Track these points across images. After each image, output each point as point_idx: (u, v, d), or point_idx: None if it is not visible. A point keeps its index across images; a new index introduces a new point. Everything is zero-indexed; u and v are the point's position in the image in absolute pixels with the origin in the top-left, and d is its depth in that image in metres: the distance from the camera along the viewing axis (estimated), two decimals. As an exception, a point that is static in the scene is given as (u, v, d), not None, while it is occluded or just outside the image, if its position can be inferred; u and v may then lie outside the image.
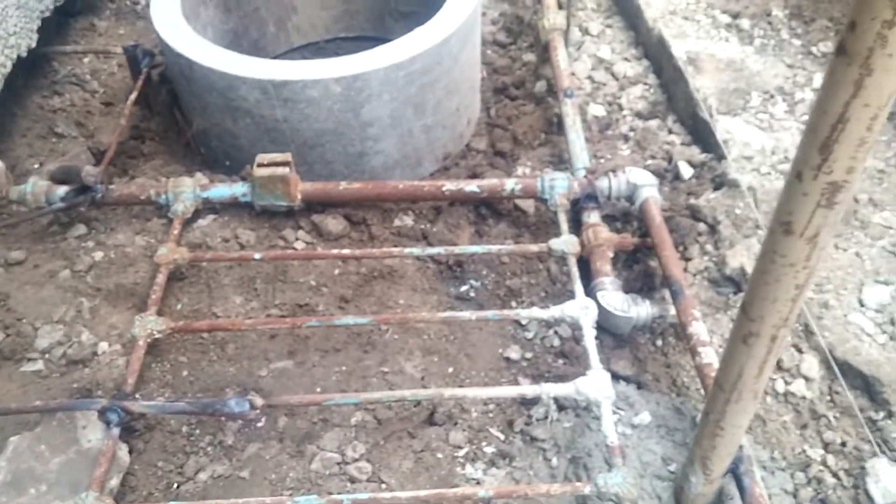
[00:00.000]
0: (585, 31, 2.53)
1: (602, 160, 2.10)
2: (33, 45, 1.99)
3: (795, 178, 0.84)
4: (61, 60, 2.39)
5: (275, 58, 2.56)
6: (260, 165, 1.76)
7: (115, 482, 1.32)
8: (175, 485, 1.38)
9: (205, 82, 1.88)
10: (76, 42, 2.53)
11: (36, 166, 2.07)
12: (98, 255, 1.75)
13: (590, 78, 2.38)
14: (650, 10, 2.41)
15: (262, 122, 1.88)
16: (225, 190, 1.81)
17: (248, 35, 2.46)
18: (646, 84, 2.32)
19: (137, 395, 1.42)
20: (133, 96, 2.09)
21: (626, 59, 2.42)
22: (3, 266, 1.74)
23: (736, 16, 2.32)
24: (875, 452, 1.37)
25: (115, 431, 1.34)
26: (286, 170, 1.75)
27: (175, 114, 2.17)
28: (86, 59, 2.45)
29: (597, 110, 2.27)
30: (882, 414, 1.41)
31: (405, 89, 1.89)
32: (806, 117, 2.00)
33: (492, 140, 2.20)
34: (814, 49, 2.17)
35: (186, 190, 1.78)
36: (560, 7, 2.37)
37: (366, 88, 1.83)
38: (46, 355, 1.57)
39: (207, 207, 1.83)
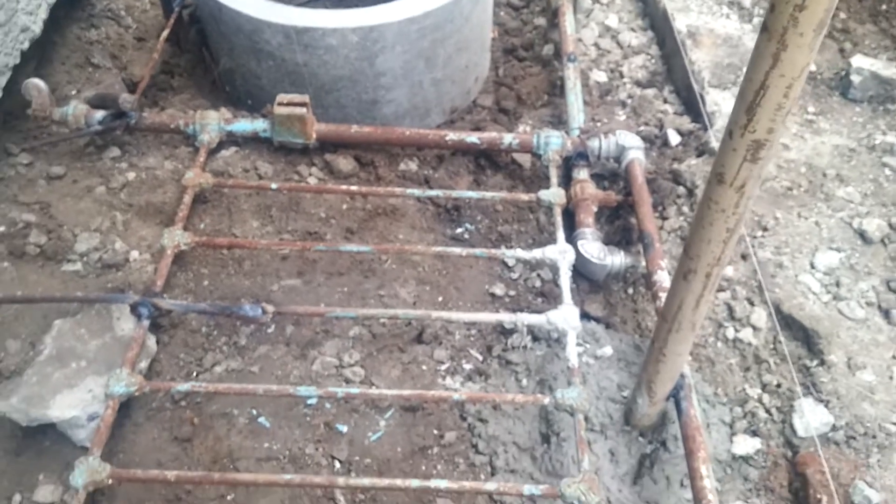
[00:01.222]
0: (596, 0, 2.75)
1: (599, 123, 2.33)
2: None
3: (728, 135, 1.08)
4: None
5: (298, 5, 2.80)
6: (280, 104, 2.01)
7: (143, 365, 1.60)
8: (194, 373, 1.66)
9: (232, 25, 2.12)
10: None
11: (73, 92, 2.33)
12: (131, 175, 2.02)
13: (595, 45, 2.60)
14: (658, -16, 2.62)
15: (284, 65, 2.12)
16: (247, 125, 2.06)
17: (275, -19, 2.68)
18: (648, 54, 2.54)
19: (165, 296, 1.69)
20: (165, 34, 2.33)
21: (631, 29, 2.64)
22: (46, 179, 2.01)
23: (739, -6, 2.54)
24: (804, 394, 1.63)
25: (145, 323, 1.62)
26: (304, 110, 2.00)
27: (203, 52, 2.42)
28: (118, -7, 2.69)
29: (599, 76, 2.50)
30: (815, 362, 1.67)
31: (417, 43, 2.12)
32: (790, 96, 2.24)
33: (497, 98, 2.44)
34: (808, 32, 2.39)
35: (212, 122, 2.04)
36: (572, -24, 2.59)
37: (380, 40, 2.07)
38: (84, 258, 1.84)
39: (230, 140, 2.09)
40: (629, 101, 2.40)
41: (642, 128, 2.28)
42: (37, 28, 2.02)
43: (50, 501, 1.47)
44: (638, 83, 2.45)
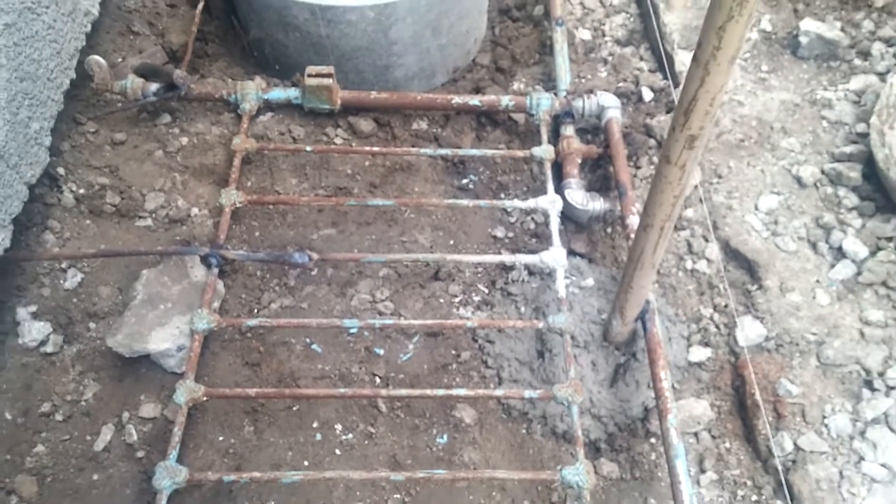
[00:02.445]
0: (581, -40, 2.94)
1: (584, 80, 2.58)
2: (121, -42, 2.42)
3: (671, 129, 1.37)
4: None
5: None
6: (310, 76, 2.26)
7: (216, 305, 1.92)
8: (255, 310, 1.98)
9: (263, 2, 2.33)
10: (139, -55, 2.92)
11: (119, 60, 2.54)
12: (184, 140, 2.28)
13: (581, 4, 2.82)
14: (637, -54, 2.82)
15: (309, 37, 2.35)
16: (281, 93, 2.31)
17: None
18: (627, 13, 2.76)
19: (228, 247, 1.99)
20: (200, 6, 2.54)
21: (613, -11, 2.85)
22: (111, 145, 2.26)
23: (708, -43, 2.73)
24: (745, 312, 1.97)
25: (215, 271, 1.92)
26: (330, 81, 2.25)
27: (232, 20, 2.63)
28: (149, -37, 2.86)
29: (584, 34, 2.73)
30: (755, 287, 2.00)
31: (426, 15, 2.35)
32: (747, 55, 2.48)
33: (494, 57, 2.67)
34: (767, -7, 2.61)
35: (251, 92, 2.28)
36: (559, -59, 2.77)
37: (394, 14, 2.29)
38: (153, 215, 2.12)
39: (267, 106, 2.34)
40: (610, 58, 2.64)
41: (621, 84, 2.53)
42: (96, 10, 2.23)
43: (153, 416, 1.80)
44: (618, 42, 2.68)
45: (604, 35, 2.71)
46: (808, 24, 2.40)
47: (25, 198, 1.84)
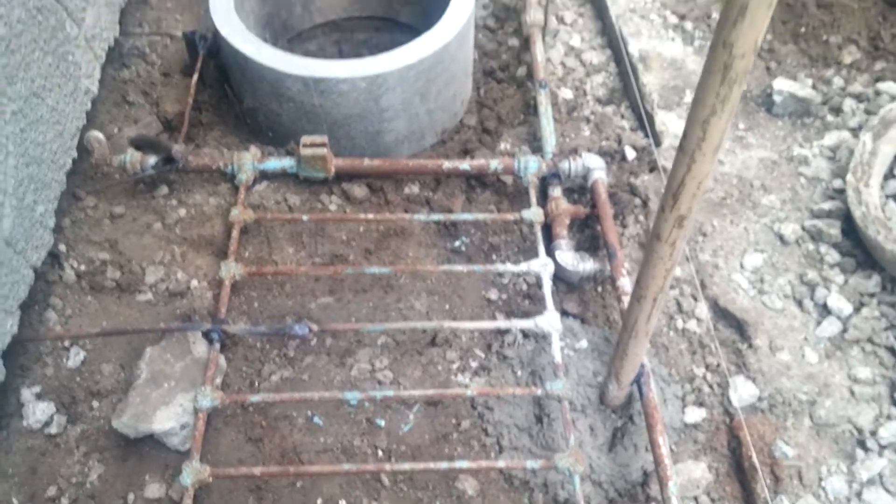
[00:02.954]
0: (561, 20, 3.00)
1: (568, 139, 2.63)
2: (118, 34, 2.44)
3: (661, 209, 1.40)
4: (126, 35, 2.82)
5: (299, 34, 3.02)
6: (304, 146, 2.28)
7: (218, 380, 1.92)
8: (256, 383, 1.98)
9: (256, 74, 2.36)
10: (131, 15, 2.95)
11: (116, 131, 2.56)
12: (182, 211, 2.28)
13: (562, 63, 2.87)
14: (614, 7, 2.88)
15: (302, 106, 2.37)
16: (276, 163, 2.33)
17: (279, 16, 2.90)
18: (607, 72, 2.82)
19: (229, 321, 1.99)
20: (195, 78, 2.56)
21: (592, 48, 2.90)
22: (110, 218, 2.26)
23: (682, 17, 2.81)
24: (736, 372, 1.99)
25: (217, 346, 1.92)
26: (324, 150, 2.27)
27: (225, 89, 2.65)
28: (145, 29, 2.89)
29: (566, 94, 2.78)
30: (745, 346, 2.03)
31: (414, 83, 2.38)
32: (725, 114, 2.54)
33: (481, 118, 2.71)
34: (741, 53, 2.68)
35: (247, 163, 2.30)
36: (540, 4, 2.83)
37: (384, 84, 2.33)
38: (153, 289, 2.12)
39: (262, 175, 2.35)
40: (592, 117, 2.68)
41: (604, 143, 2.58)
42: (95, 88, 2.24)
43: (157, 497, 1.79)
44: (599, 101, 2.73)
45: (585, 94, 2.76)
46: (781, 84, 2.46)
47: (31, 282, 1.83)
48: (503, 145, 2.62)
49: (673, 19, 2.81)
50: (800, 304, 2.07)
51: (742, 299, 2.08)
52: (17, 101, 1.76)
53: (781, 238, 2.19)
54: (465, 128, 2.70)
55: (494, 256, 2.32)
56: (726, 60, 1.08)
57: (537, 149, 2.56)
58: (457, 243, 2.34)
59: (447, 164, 2.36)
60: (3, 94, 1.70)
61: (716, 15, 2.78)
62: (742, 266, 2.15)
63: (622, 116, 2.66)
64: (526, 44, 2.83)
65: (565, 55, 2.89)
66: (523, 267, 2.12)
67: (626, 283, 2.06)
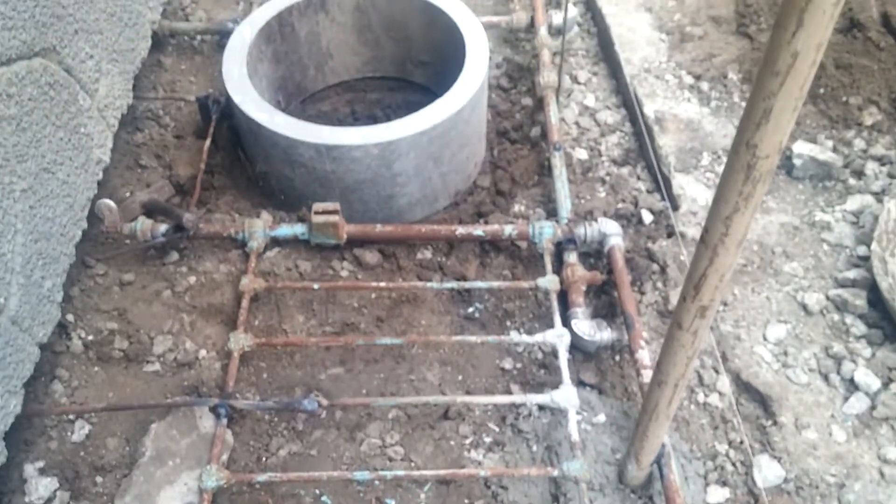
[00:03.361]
0: (575, 80, 2.99)
1: (583, 200, 2.59)
2: (131, 101, 2.45)
3: (682, 299, 1.36)
4: (140, 99, 2.84)
5: (312, 94, 3.03)
6: (316, 213, 2.26)
7: (225, 457, 1.86)
8: (263, 458, 1.92)
9: (269, 140, 2.35)
10: (146, 78, 2.97)
11: (127, 194, 2.55)
12: (191, 279, 2.26)
13: (577, 123, 2.85)
14: (629, 67, 2.87)
15: (314, 172, 2.36)
16: (288, 230, 2.31)
17: (293, 78, 2.91)
18: (622, 132, 2.79)
19: (237, 395, 1.95)
20: (208, 142, 2.56)
21: (607, 108, 2.88)
22: (119, 286, 2.25)
23: (698, 77, 2.79)
24: (761, 450, 1.91)
25: (224, 421, 1.87)
26: (336, 217, 2.25)
27: (239, 152, 2.65)
28: (159, 94, 2.91)
29: (581, 154, 2.75)
30: (770, 422, 1.95)
31: (427, 148, 2.37)
32: (744, 177, 2.49)
33: (494, 179, 2.69)
34: (758, 113, 2.64)
35: (258, 230, 2.28)
36: (553, 65, 2.83)
37: (397, 150, 2.31)
38: (161, 359, 2.09)
39: (274, 242, 2.33)
40: (608, 178, 2.65)
41: (620, 205, 2.54)
42: (107, 157, 2.24)
43: (161, 578, 1.73)
44: (614, 161, 2.70)
45: (600, 155, 2.73)
46: (801, 147, 2.42)
47: (37, 359, 1.80)
48: (517, 207, 2.58)
49: (688, 79, 2.79)
50: (826, 378, 2.00)
51: (765, 373, 2.02)
52: (27, 178, 1.75)
53: (805, 308, 2.13)
54: (478, 189, 2.67)
55: (509, 323, 2.27)
56: (749, 161, 1.05)
57: (552, 210, 2.53)
58: (470, 309, 2.30)
59: (460, 230, 2.33)
60: (14, 172, 1.69)
61: (732, 75, 2.76)
62: (765, 338, 2.08)
63: (638, 178, 2.63)
64: (540, 104, 2.82)
65: (580, 115, 2.87)
66: (538, 338, 2.07)
67: (644, 356, 2.00)
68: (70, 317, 2.11)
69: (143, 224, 2.24)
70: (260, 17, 2.66)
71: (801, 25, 0.89)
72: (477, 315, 2.29)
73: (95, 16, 2.21)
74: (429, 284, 2.20)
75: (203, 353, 2.10)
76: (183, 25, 3.07)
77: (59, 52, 1.96)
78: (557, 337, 2.06)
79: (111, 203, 2.22)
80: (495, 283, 2.23)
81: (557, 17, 3.02)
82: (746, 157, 1.05)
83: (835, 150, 2.47)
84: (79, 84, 2.08)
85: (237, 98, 2.39)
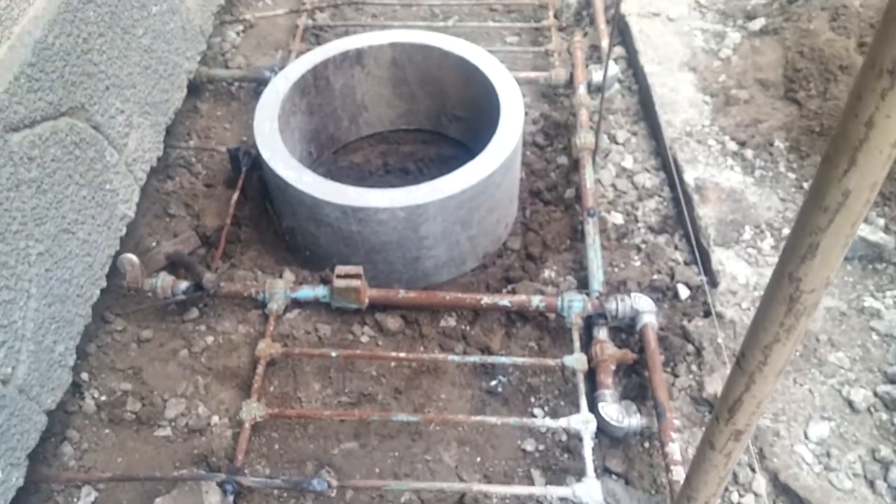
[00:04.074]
0: (613, 139, 2.90)
1: (616, 268, 2.49)
2: (161, 153, 2.43)
3: (715, 420, 1.25)
4: (171, 145, 2.83)
5: (344, 145, 3.00)
6: (338, 276, 2.20)
7: (229, 538, 1.79)
8: (270, 539, 1.85)
9: (296, 198, 2.30)
10: (181, 124, 2.97)
11: (153, 244, 2.53)
12: (209, 339, 2.21)
13: (613, 186, 2.75)
14: (670, 129, 2.77)
15: (340, 232, 2.30)
16: (309, 292, 2.25)
17: (326, 130, 2.88)
18: (660, 197, 2.69)
19: (246, 470, 1.88)
20: (236, 196, 2.53)
21: (645, 170, 2.78)
22: (136, 342, 2.21)
23: (742, 144, 2.67)
24: (798, 560, 1.77)
25: (231, 498, 1.81)
26: (358, 282, 2.18)
27: (266, 205, 2.61)
28: (190, 142, 2.90)
29: (616, 218, 2.65)
30: (808, 529, 1.81)
31: (456, 212, 2.29)
32: (788, 254, 2.36)
33: (525, 242, 2.60)
34: (805, 185, 2.52)
35: (279, 291, 2.23)
36: (591, 126, 2.74)
37: (424, 213, 2.24)
38: (173, 423, 2.04)
39: (294, 303, 2.27)
40: (643, 246, 2.54)
41: (655, 276, 2.43)
42: (132, 213, 2.21)
43: None
44: (651, 228, 2.59)
45: (636, 220, 2.63)
46: (851, 226, 2.29)
47: (44, 427, 1.76)
48: (547, 273, 2.49)
49: (732, 146, 2.68)
50: (871, 485, 1.85)
51: (806, 475, 1.88)
52: (44, 241, 1.72)
53: (851, 405, 1.99)
54: (508, 251, 2.59)
55: (533, 399, 2.17)
56: (793, 293, 0.95)
57: (583, 278, 2.43)
58: (493, 382, 2.20)
59: (486, 300, 2.25)
60: (31, 236, 1.66)
61: (778, 143, 2.64)
62: (806, 435, 1.95)
63: (675, 248, 2.52)
64: (575, 164, 2.73)
65: (616, 176, 2.77)
66: (563, 422, 1.96)
67: (674, 450, 1.88)
68: (85, 375, 2.08)
69: (163, 281, 2.21)
70: (295, 71, 2.63)
71: (854, 164, 0.80)
72: (500, 389, 2.19)
73: (129, 70, 2.20)
74: (450, 357, 2.12)
75: (215, 419, 2.05)
76: (221, 72, 3.07)
77: (87, 110, 1.95)
78: (583, 423, 1.95)
79: (133, 258, 2.19)
80: (519, 360, 2.14)
81: (597, 75, 2.95)
82: (789, 289, 0.96)
83: (887, 229, 2.33)
84: (107, 140, 2.06)
85: (266, 154, 2.35)
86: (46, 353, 1.74)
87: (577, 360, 2.10)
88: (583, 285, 2.41)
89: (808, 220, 0.87)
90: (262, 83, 3.03)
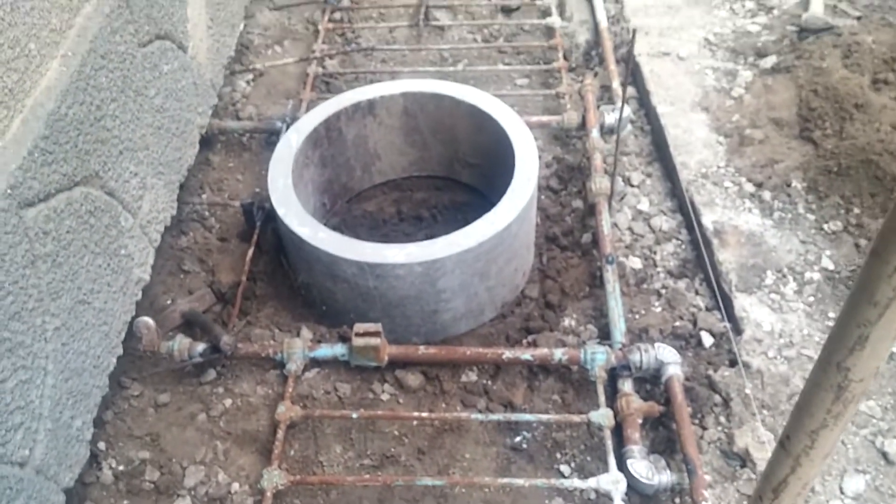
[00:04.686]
0: (628, 182, 2.87)
1: (637, 315, 2.45)
2: (175, 212, 2.42)
3: (757, 497, 1.21)
4: (184, 200, 2.82)
5: (358, 194, 2.99)
6: (357, 335, 2.17)
7: None
8: None
9: (312, 255, 2.28)
10: (193, 177, 2.96)
11: (168, 302, 2.52)
12: (227, 402, 2.18)
13: (630, 229, 2.73)
14: (685, 171, 2.75)
15: (357, 288, 2.28)
16: (328, 350, 2.22)
17: (339, 180, 2.87)
18: (678, 240, 2.65)
19: (268, 542, 1.84)
20: (251, 252, 2.52)
21: (662, 212, 2.75)
22: (154, 407, 2.18)
23: (759, 185, 2.65)
24: None
25: (253, 574, 1.76)
26: (378, 340, 2.15)
27: (281, 258, 2.60)
28: (203, 195, 2.90)
29: (634, 263, 2.61)
30: (850, 591, 1.76)
31: (473, 265, 2.27)
32: (811, 298, 2.33)
33: (543, 290, 2.56)
34: (825, 226, 2.48)
35: (297, 351, 2.20)
36: (606, 171, 2.72)
37: (442, 268, 2.22)
38: (192, 492, 2.00)
39: (313, 362, 2.24)
40: (663, 291, 2.50)
41: (677, 323, 2.39)
42: (147, 276, 2.20)
43: None
44: (670, 273, 2.56)
45: (655, 265, 2.60)
46: (876, 269, 2.25)
47: (61, 504, 1.73)
48: (567, 321, 2.46)
49: (749, 187, 2.65)
50: (913, 542, 1.80)
51: (844, 533, 1.82)
52: (60, 315, 1.70)
53: (885, 456, 1.94)
54: (526, 300, 2.56)
55: (559, 455, 2.12)
56: (840, 382, 0.92)
57: (604, 326, 2.40)
58: (518, 439, 2.16)
59: (507, 354, 2.21)
60: (47, 312, 1.65)
61: (796, 183, 2.61)
62: (842, 490, 1.89)
63: (696, 292, 2.48)
64: (591, 209, 2.71)
65: (633, 220, 2.75)
66: (592, 483, 1.92)
67: (707, 510, 1.83)
68: (102, 444, 2.05)
69: (180, 343, 2.18)
70: (307, 124, 2.63)
71: (907, 260, 0.77)
72: (524, 445, 2.15)
73: (142, 132, 2.20)
74: (473, 416, 2.08)
75: (235, 486, 2.01)
76: (232, 124, 3.07)
77: (101, 177, 1.94)
78: (612, 483, 1.91)
79: (149, 321, 2.17)
80: (544, 417, 2.10)
81: (609, 117, 2.93)
82: (837, 378, 0.92)
83: (913, 270, 2.28)
84: (121, 205, 2.05)
85: (281, 211, 2.34)
86: (64, 429, 1.71)
87: (603, 416, 2.05)
88: (604, 333, 2.38)
89: (857, 312, 0.84)
90: (273, 133, 3.03)
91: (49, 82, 1.76)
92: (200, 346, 2.20)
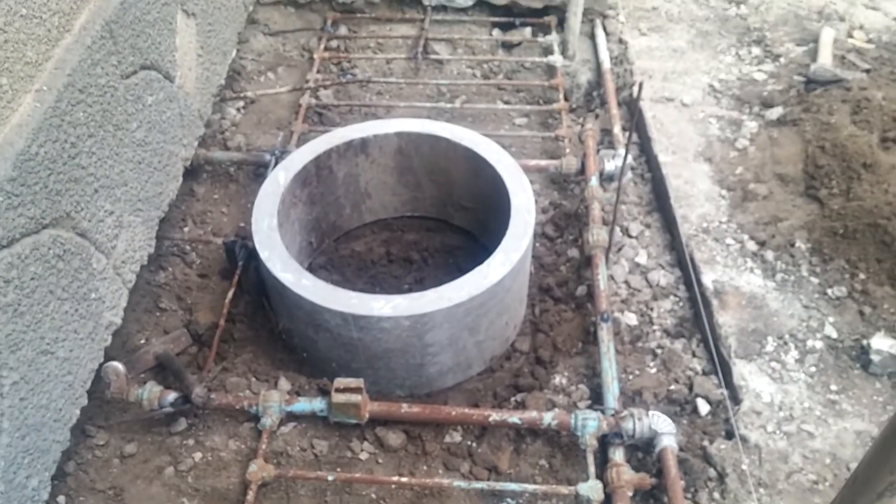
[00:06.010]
0: (626, 232, 2.80)
1: (631, 375, 2.36)
2: (152, 250, 2.33)
3: None
4: (164, 235, 2.72)
5: (347, 232, 2.90)
6: (337, 390, 2.07)
7: None
8: None
9: (294, 302, 2.19)
10: (176, 208, 2.87)
11: (142, 341, 2.42)
12: (197, 455, 2.08)
13: (626, 282, 2.64)
14: (686, 225, 2.68)
15: (340, 338, 2.19)
16: (306, 405, 2.12)
17: (328, 218, 2.78)
18: (676, 296, 2.57)
19: None
20: (231, 293, 2.42)
21: (660, 266, 2.67)
22: (119, 458, 2.07)
23: (762, 244, 2.57)
24: None
25: None
26: (359, 397, 2.06)
27: (262, 300, 2.50)
28: (185, 228, 2.80)
29: (630, 319, 2.53)
30: None
31: (463, 319, 2.18)
32: (812, 369, 2.25)
33: (534, 345, 2.48)
34: (829, 291, 2.41)
35: (273, 405, 2.10)
36: (605, 222, 2.65)
37: (430, 322, 2.13)
38: (154, 557, 1.89)
39: (290, 416, 2.14)
40: (659, 351, 2.42)
41: (672, 387, 2.30)
42: (119, 319, 2.10)
43: None
44: (667, 332, 2.47)
45: (651, 322, 2.51)
46: (880, 342, 2.18)
47: (9, 574, 1.62)
48: (558, 379, 2.37)
49: (751, 245, 2.58)
50: None
51: None
52: (19, 368, 1.60)
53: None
54: (516, 353, 2.47)
55: (544, 526, 2.03)
56: (862, 530, 0.83)
57: (596, 386, 2.31)
58: (501, 506, 2.07)
59: (494, 417, 2.12)
60: (5, 365, 1.55)
61: (800, 243, 2.54)
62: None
63: (693, 354, 2.40)
64: (587, 261, 2.63)
65: (630, 272, 2.67)
66: (577, 563, 1.82)
67: None
68: (62, 499, 1.94)
69: (150, 392, 2.08)
70: (297, 161, 2.55)
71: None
72: (508, 513, 2.05)
73: (120, 168, 2.11)
74: (455, 483, 1.98)
75: (201, 551, 1.90)
76: (219, 155, 2.99)
77: (73, 218, 1.85)
78: (599, 564, 1.81)
79: (119, 367, 2.07)
80: (530, 487, 2.01)
81: (609, 164, 2.86)
82: (859, 522, 0.84)
83: (918, 344, 2.21)
84: (94, 246, 1.96)
85: (264, 254, 2.25)
86: (18, 491, 1.61)
87: (592, 489, 1.96)
88: (595, 394, 2.29)
89: (888, 459, 0.76)
90: (262, 166, 2.95)
91: (20, 119, 1.67)
92: (171, 396, 2.10)
